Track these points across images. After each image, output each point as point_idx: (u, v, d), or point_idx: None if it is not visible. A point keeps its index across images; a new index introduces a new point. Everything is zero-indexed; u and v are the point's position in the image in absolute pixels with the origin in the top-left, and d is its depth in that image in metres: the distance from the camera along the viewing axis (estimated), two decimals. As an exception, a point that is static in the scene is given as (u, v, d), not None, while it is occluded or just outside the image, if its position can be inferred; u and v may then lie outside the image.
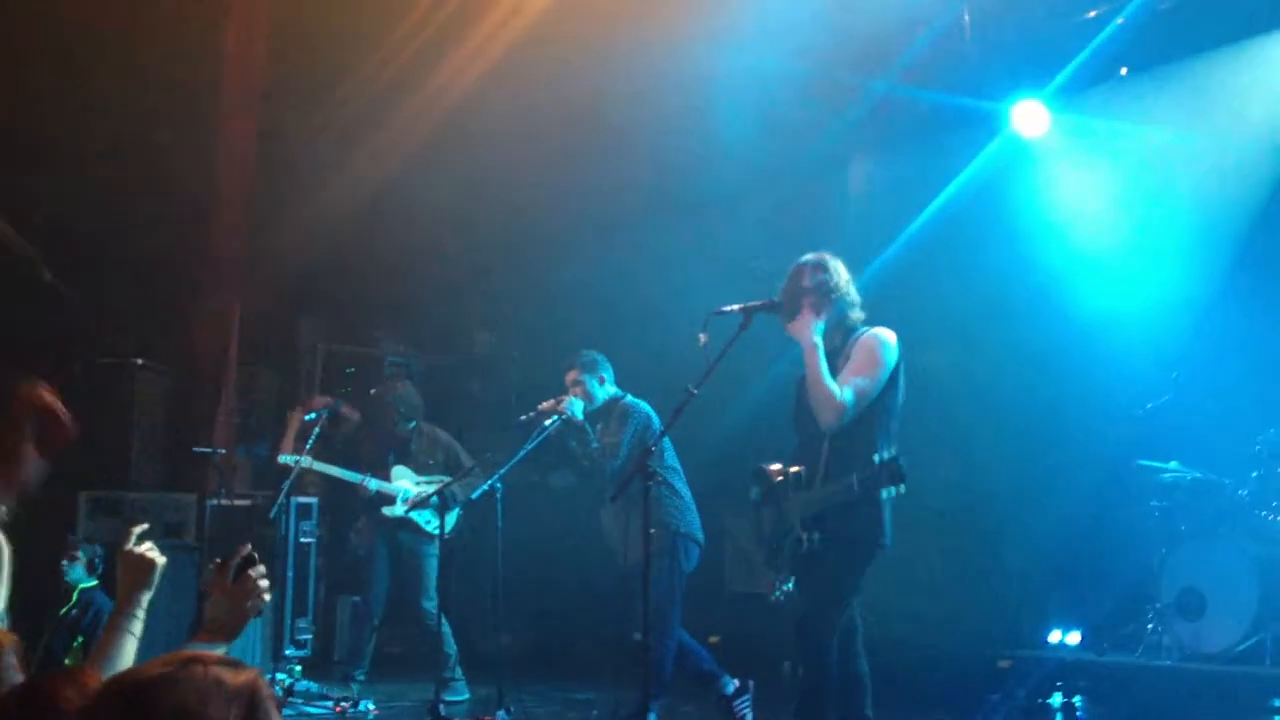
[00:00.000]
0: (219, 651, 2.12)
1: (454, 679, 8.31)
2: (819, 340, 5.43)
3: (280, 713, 1.80)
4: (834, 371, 5.40)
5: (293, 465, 8.54)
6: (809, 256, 5.67)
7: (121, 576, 3.06)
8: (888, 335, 5.49)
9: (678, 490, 7.29)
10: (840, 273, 5.60)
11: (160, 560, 3.01)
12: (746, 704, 7.24)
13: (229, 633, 2.67)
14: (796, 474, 5.39)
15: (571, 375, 7.53)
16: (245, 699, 1.73)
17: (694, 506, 7.38)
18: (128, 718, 1.70)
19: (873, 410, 5.37)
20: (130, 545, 3.04)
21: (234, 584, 2.71)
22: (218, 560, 2.74)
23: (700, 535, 7.38)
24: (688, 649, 7.29)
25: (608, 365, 7.60)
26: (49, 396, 2.62)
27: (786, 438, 9.60)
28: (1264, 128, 8.51)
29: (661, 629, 6.88)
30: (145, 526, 3.06)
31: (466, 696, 8.31)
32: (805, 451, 5.50)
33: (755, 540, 5.68)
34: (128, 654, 2.92)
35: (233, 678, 1.76)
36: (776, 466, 5.48)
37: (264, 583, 2.76)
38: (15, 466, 2.58)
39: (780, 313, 5.57)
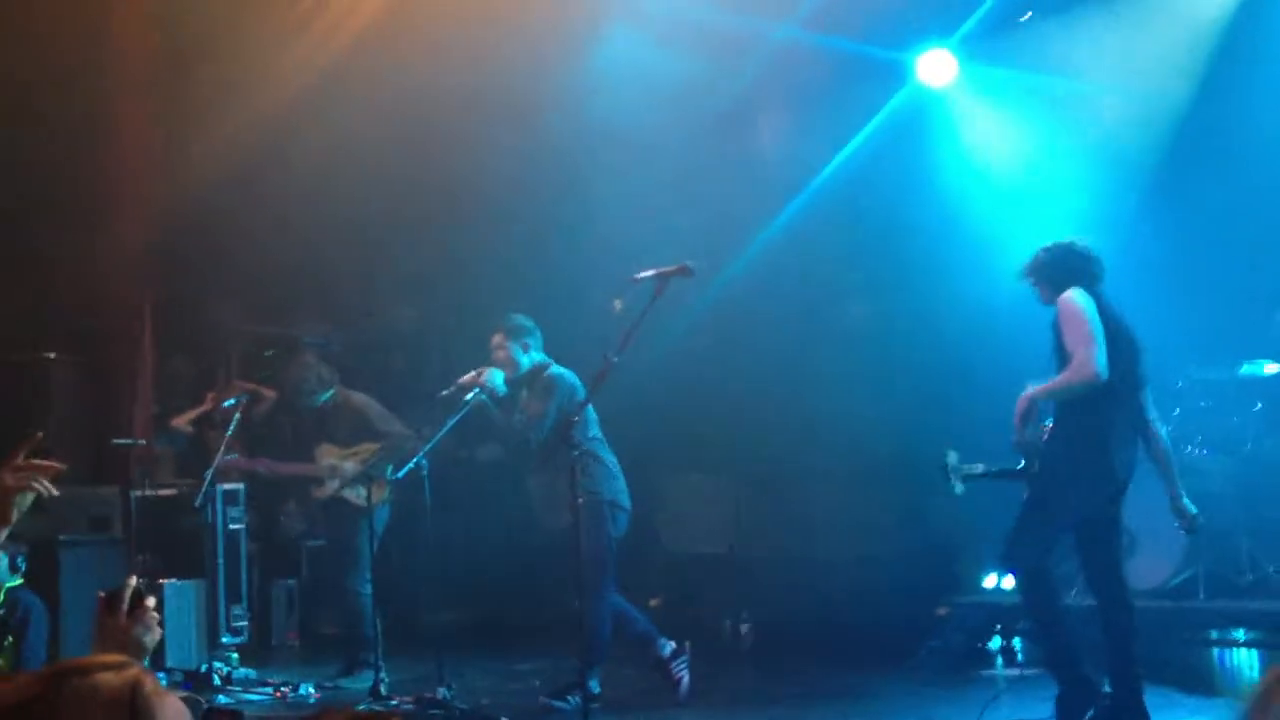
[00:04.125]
0: None
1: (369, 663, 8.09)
2: (1030, 389, 6.14)
3: (167, 704, 1.69)
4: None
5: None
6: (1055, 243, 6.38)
7: None
8: (1075, 299, 6.11)
9: (602, 458, 7.24)
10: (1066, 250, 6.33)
11: (28, 502, 2.88)
12: (683, 665, 7.25)
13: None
14: None
15: (496, 339, 7.37)
16: (125, 704, 1.65)
17: (620, 473, 7.34)
18: None
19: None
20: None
21: (129, 618, 2.50)
22: (103, 594, 2.52)
23: (627, 502, 7.36)
24: (623, 614, 7.30)
25: (536, 332, 7.42)
26: None
27: (723, 396, 9.62)
28: (1164, 73, 8.60)
29: (595, 596, 6.87)
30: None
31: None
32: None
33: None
34: None
35: (112, 681, 1.66)
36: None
37: (155, 615, 2.54)
38: None
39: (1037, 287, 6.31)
